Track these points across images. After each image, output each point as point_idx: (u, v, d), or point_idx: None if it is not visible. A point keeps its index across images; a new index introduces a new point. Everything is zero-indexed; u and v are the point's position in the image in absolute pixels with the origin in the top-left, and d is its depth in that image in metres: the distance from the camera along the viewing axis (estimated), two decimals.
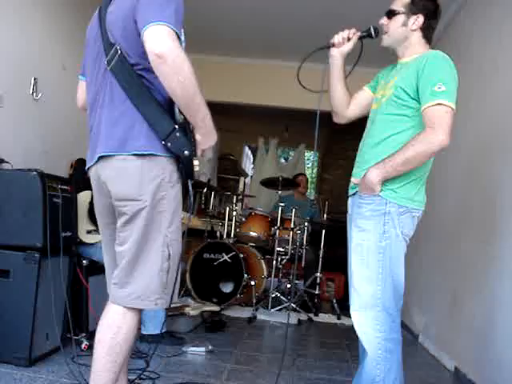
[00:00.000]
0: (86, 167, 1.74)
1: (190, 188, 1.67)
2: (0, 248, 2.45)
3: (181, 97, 1.51)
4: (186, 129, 1.58)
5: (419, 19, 1.98)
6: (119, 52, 1.56)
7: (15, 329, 2.38)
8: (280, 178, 5.08)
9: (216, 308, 4.31)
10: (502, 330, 2.58)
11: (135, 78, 1.56)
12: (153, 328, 3.17)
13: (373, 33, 2.13)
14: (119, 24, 1.57)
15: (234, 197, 5.47)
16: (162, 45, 1.43)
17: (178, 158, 1.61)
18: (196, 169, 1.66)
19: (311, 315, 4.59)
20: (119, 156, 1.58)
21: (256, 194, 7.10)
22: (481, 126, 3.24)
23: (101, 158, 1.62)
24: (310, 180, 9.19)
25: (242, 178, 8.56)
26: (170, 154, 1.59)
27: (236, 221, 5.20)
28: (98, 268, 3.13)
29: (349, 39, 2.14)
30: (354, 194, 2.05)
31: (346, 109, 2.22)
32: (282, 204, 4.93)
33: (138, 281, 1.62)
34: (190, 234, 6.36)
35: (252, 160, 9.46)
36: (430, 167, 2.07)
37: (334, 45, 2.16)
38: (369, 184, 1.88)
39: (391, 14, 2.04)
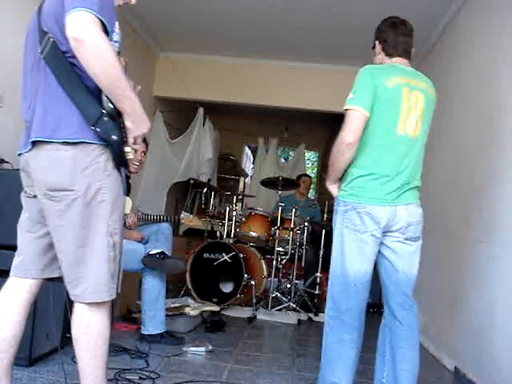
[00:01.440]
0: (17, 153, 1.73)
1: (123, 175, 1.67)
2: (0, 248, 2.45)
3: (104, 81, 1.51)
4: (114, 115, 1.58)
5: (377, 45, 2.39)
6: (51, 40, 1.57)
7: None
8: (280, 178, 5.08)
9: (216, 308, 4.31)
10: (501, 330, 2.58)
11: (66, 65, 1.56)
12: (152, 328, 3.17)
13: None
14: (51, 12, 1.58)
15: (234, 197, 5.47)
16: (79, 29, 1.45)
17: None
18: (130, 156, 1.66)
19: (311, 315, 4.59)
20: (51, 145, 1.59)
21: (256, 194, 7.10)
22: (480, 125, 3.24)
23: (34, 145, 1.61)
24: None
25: (241, 178, 8.56)
26: (102, 142, 1.60)
27: (236, 221, 5.20)
28: None
29: None
30: None
31: None
32: (283, 204, 4.93)
33: (88, 275, 1.62)
34: (190, 234, 6.37)
35: (252, 160, 9.46)
36: (381, 170, 2.18)
37: None
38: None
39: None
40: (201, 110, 6.55)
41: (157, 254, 3.15)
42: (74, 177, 1.59)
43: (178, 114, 6.70)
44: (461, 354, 3.08)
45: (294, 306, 4.65)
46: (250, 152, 9.67)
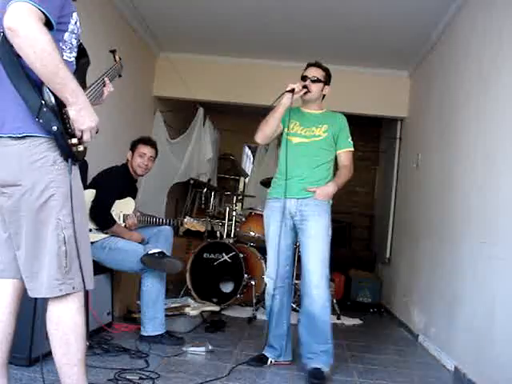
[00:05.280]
0: None
1: (69, 167, 1.65)
2: None
3: (41, 71, 1.52)
4: (53, 105, 1.57)
5: (328, 89, 3.05)
6: (2, 35, 1.58)
7: (15, 329, 2.37)
8: None
9: (216, 308, 4.31)
10: (501, 329, 2.58)
11: (13, 58, 1.57)
12: (152, 329, 3.17)
13: (309, 91, 2.98)
14: (4, 8, 1.59)
15: (234, 197, 5.46)
16: (13, 18, 1.47)
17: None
18: (80, 148, 1.65)
19: None
20: None
21: (254, 194, 7.08)
22: (481, 125, 3.24)
23: None
24: None
25: (241, 178, 8.54)
26: (49, 135, 1.60)
27: (236, 221, 5.20)
28: (97, 268, 3.13)
29: (303, 89, 2.93)
30: (304, 198, 2.88)
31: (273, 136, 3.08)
32: None
33: (40, 270, 1.63)
34: (190, 234, 6.37)
35: (252, 160, 9.45)
36: None
37: (293, 91, 2.88)
38: (329, 193, 2.88)
39: (317, 80, 2.97)
40: (201, 110, 6.54)
41: (156, 253, 3.15)
42: (21, 172, 1.60)
43: (178, 114, 6.69)
44: (461, 354, 3.08)
45: (294, 306, 4.64)
46: (250, 152, 9.66)
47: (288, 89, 2.88)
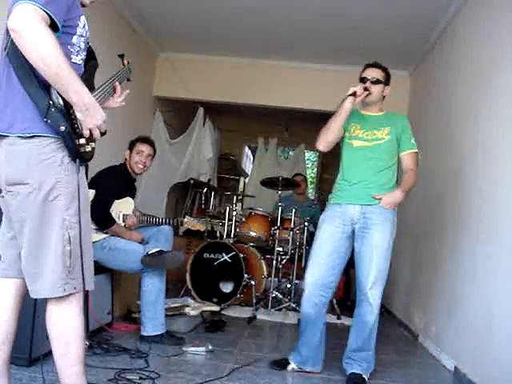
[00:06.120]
0: None
1: (77, 168, 1.66)
2: None
3: (45, 71, 1.52)
4: (61, 106, 1.58)
5: (389, 89, 2.91)
6: (11, 35, 1.59)
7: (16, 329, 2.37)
8: (280, 178, 5.08)
9: (216, 308, 4.31)
10: (501, 329, 2.58)
11: (22, 58, 1.57)
12: (152, 329, 3.17)
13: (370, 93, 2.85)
14: (11, 10, 1.60)
15: (234, 197, 5.46)
16: (17, 20, 1.48)
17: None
18: (88, 149, 1.66)
19: None
20: (7, 139, 1.61)
21: (254, 194, 7.09)
22: (481, 124, 3.24)
23: None
24: (310, 180, 9.20)
25: (241, 178, 8.55)
26: (57, 136, 1.61)
27: (236, 221, 5.20)
28: (97, 268, 3.13)
29: (365, 90, 2.80)
30: (369, 205, 2.77)
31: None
32: (282, 204, 4.93)
33: (44, 270, 1.63)
34: (190, 234, 6.38)
35: (252, 160, 9.46)
36: None
37: (355, 94, 2.75)
38: (396, 202, 2.78)
39: (377, 81, 2.84)
40: (201, 110, 6.54)
41: (155, 252, 3.15)
42: (28, 170, 1.60)
43: (178, 114, 6.70)
44: (461, 354, 3.08)
45: (294, 306, 4.64)
46: (250, 152, 9.67)
47: (350, 92, 2.74)
